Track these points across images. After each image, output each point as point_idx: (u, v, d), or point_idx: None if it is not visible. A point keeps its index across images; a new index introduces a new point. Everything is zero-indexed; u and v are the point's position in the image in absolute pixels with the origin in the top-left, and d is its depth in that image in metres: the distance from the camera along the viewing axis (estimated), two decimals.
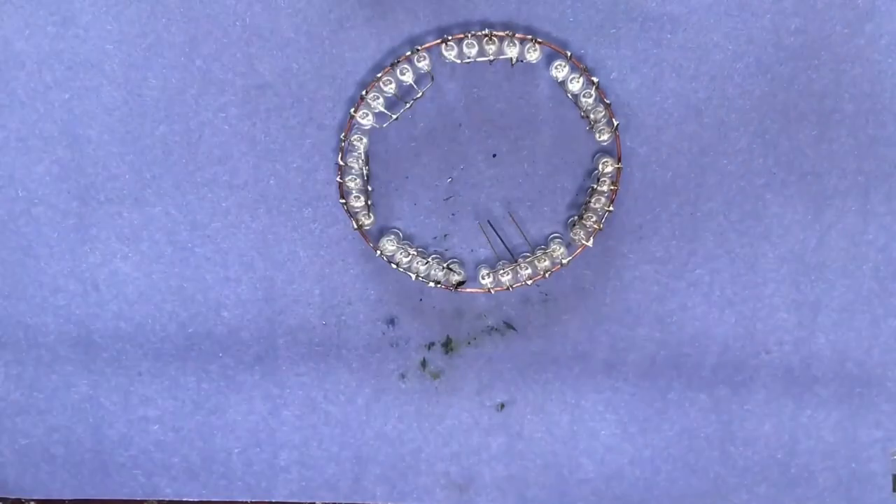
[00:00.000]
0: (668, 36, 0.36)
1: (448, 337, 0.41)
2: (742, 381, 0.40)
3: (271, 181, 0.38)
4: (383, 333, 0.41)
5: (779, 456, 0.41)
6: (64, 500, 0.43)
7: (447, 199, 0.39)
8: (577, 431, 0.42)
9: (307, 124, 0.37)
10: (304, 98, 0.37)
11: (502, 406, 0.42)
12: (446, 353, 0.41)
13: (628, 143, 0.37)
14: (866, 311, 0.39)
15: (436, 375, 0.42)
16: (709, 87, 0.37)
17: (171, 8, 0.36)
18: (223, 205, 0.39)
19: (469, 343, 0.41)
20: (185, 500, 0.42)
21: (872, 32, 0.36)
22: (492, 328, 0.41)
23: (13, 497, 0.43)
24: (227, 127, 0.37)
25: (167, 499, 0.42)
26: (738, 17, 0.35)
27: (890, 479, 0.41)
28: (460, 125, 0.37)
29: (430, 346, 0.41)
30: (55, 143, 0.38)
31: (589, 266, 0.39)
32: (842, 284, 0.39)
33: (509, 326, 0.41)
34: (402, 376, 0.41)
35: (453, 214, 0.39)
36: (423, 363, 0.41)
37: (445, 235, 0.39)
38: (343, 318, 0.40)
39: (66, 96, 0.37)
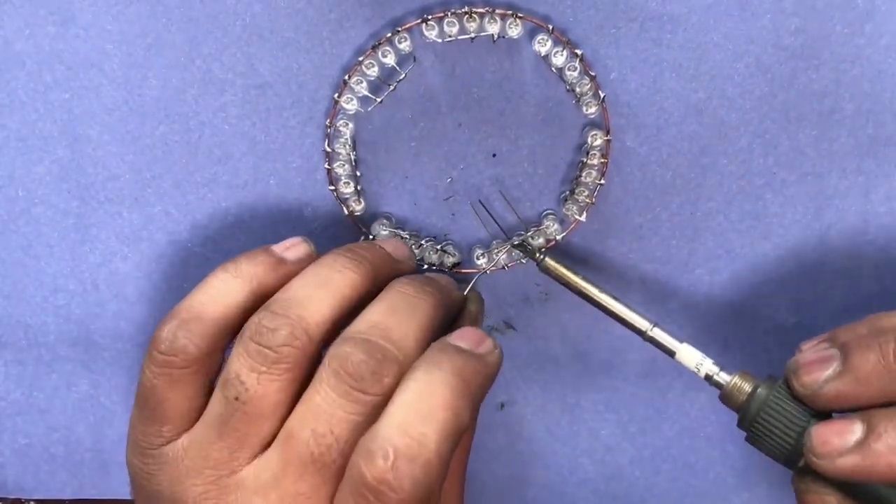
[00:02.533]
0: (668, 36, 0.36)
1: None
2: None
3: (271, 181, 0.38)
4: None
5: None
6: (64, 500, 0.43)
7: (447, 198, 0.39)
8: (577, 431, 0.42)
9: (307, 124, 0.37)
10: (304, 98, 0.37)
11: (502, 406, 0.42)
12: None
13: (628, 144, 0.37)
14: (866, 311, 0.39)
15: None
16: (709, 87, 0.37)
17: (171, 8, 0.36)
18: (223, 205, 0.39)
19: None
20: None
21: (872, 32, 0.36)
22: (492, 328, 0.41)
23: (13, 497, 0.43)
24: (227, 127, 0.38)
25: None
26: (738, 17, 0.35)
27: None
28: (460, 125, 0.37)
29: None
30: (55, 143, 0.38)
31: (589, 266, 0.39)
32: (842, 284, 0.39)
33: (509, 326, 0.41)
34: None
35: (453, 214, 0.39)
36: None
37: (446, 235, 0.39)
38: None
39: (66, 96, 0.37)
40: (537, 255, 0.37)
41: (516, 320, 0.41)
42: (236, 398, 0.29)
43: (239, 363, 0.29)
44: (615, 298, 0.35)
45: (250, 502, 0.28)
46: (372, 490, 0.25)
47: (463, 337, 0.30)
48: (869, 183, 0.38)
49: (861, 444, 0.28)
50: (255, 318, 0.30)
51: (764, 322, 0.40)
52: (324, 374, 0.28)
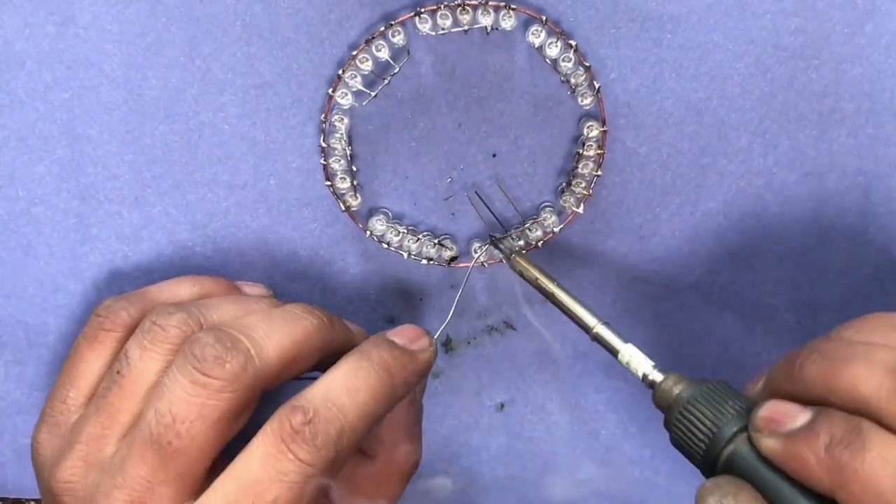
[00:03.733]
0: (668, 36, 0.36)
1: (448, 337, 0.41)
2: (742, 382, 0.40)
3: (271, 181, 0.38)
4: None
5: None
6: None
7: (447, 198, 0.39)
8: (577, 431, 0.42)
9: (307, 124, 0.37)
10: (304, 98, 0.37)
11: (502, 406, 0.42)
12: (446, 353, 0.41)
13: (628, 144, 0.37)
14: (866, 312, 0.39)
15: (436, 375, 0.42)
16: (709, 87, 0.37)
17: (171, 8, 0.36)
18: (223, 205, 0.39)
19: (469, 343, 0.41)
20: None
21: (872, 32, 0.36)
22: (492, 328, 0.41)
23: (13, 497, 0.43)
24: (227, 127, 0.38)
25: None
26: (738, 17, 0.35)
27: None
28: (460, 125, 0.37)
29: None
30: (55, 142, 0.38)
31: (589, 266, 0.39)
32: (842, 284, 0.39)
33: (509, 326, 0.41)
34: None
35: (453, 214, 0.39)
36: None
37: (446, 235, 0.39)
38: (343, 317, 0.40)
39: (66, 96, 0.37)
40: (509, 253, 0.37)
41: (516, 320, 0.41)
42: (118, 372, 0.30)
43: (131, 342, 0.31)
44: (575, 299, 0.34)
45: (102, 485, 0.28)
46: (287, 438, 0.27)
47: (400, 333, 0.33)
48: (869, 183, 0.38)
49: (796, 434, 0.26)
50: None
51: (764, 322, 0.40)
52: (178, 357, 0.29)
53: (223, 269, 0.40)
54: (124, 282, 0.40)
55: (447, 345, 0.41)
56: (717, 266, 0.39)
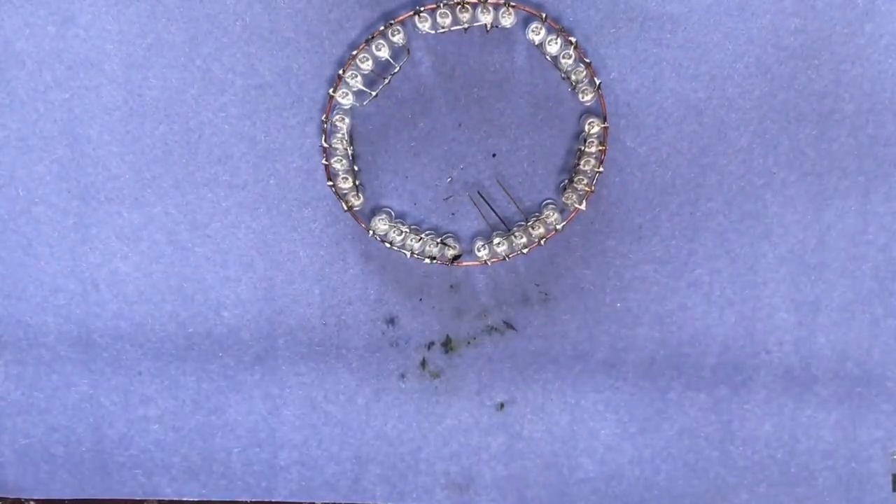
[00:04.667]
0: (668, 36, 0.36)
1: (448, 337, 0.41)
2: (742, 381, 0.40)
3: (271, 181, 0.38)
4: (383, 333, 0.41)
5: (779, 456, 0.41)
6: (64, 500, 0.43)
7: (447, 198, 0.39)
8: (577, 431, 0.42)
9: (307, 124, 0.37)
10: (304, 98, 0.37)
11: (502, 406, 0.42)
12: (446, 352, 0.41)
13: (628, 144, 0.37)
14: (866, 311, 0.39)
15: (436, 375, 0.42)
16: (709, 87, 0.37)
17: (171, 8, 0.36)
18: (223, 205, 0.39)
19: (469, 343, 0.41)
20: (185, 499, 0.42)
21: (872, 32, 0.36)
22: (492, 328, 0.41)
23: (13, 497, 0.43)
24: (227, 127, 0.38)
25: (167, 498, 0.42)
26: (738, 17, 0.35)
27: (890, 478, 0.41)
28: (460, 125, 0.37)
29: (430, 345, 0.41)
30: (55, 142, 0.38)
31: (589, 266, 0.39)
32: (842, 284, 0.39)
33: (509, 326, 0.41)
34: (402, 376, 0.41)
35: (453, 214, 0.39)
36: (423, 363, 0.41)
37: (448, 234, 0.39)
38: (343, 318, 0.40)
39: (66, 96, 0.37)
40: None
41: (516, 320, 0.41)
42: None
43: None
44: None
45: None
46: None
47: None
48: (869, 183, 0.38)
49: None
50: None
51: (763, 322, 0.40)
52: None
53: (223, 269, 0.40)
54: (124, 282, 0.40)
55: (447, 345, 0.41)
56: (717, 266, 0.39)
